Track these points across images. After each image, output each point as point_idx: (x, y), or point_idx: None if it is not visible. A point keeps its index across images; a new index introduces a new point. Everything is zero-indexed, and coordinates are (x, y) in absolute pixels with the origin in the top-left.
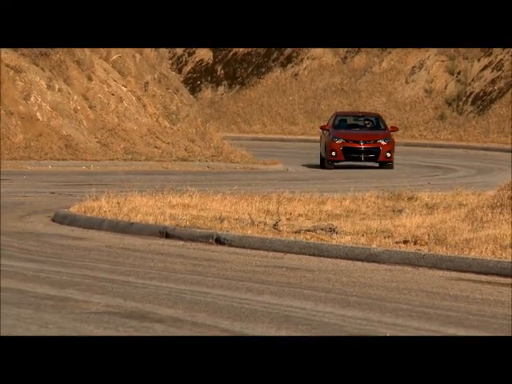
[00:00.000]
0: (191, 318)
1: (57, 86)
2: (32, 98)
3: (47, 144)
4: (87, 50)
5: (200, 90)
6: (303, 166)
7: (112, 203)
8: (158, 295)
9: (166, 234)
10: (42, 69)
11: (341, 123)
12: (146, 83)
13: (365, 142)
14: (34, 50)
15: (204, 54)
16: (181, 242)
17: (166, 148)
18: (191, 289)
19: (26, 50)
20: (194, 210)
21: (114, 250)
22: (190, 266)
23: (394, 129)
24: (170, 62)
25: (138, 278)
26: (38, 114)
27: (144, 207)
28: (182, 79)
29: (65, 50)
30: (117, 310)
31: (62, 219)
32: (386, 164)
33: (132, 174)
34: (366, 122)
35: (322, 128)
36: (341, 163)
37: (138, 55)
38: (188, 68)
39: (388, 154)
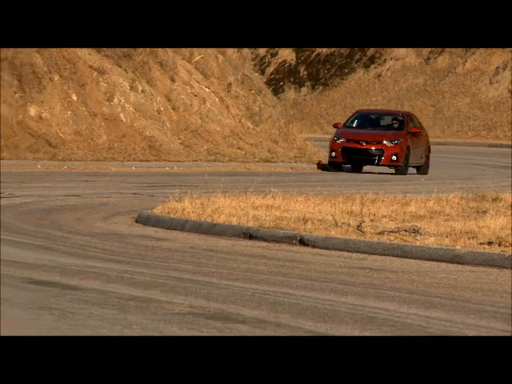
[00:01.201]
0: (275, 320)
1: (140, 88)
2: (115, 100)
3: (130, 145)
4: (170, 51)
5: (283, 91)
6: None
7: (195, 204)
8: (242, 296)
9: (249, 235)
10: (125, 70)
11: (357, 121)
12: (229, 84)
13: (367, 143)
14: (117, 51)
15: (287, 54)
16: (264, 243)
17: (249, 149)
18: (275, 290)
19: (109, 52)
20: (278, 211)
21: (197, 250)
22: (274, 267)
23: (415, 130)
24: (253, 63)
25: (222, 279)
26: (121, 115)
27: (227, 208)
28: (264, 80)
29: (147, 50)
30: (200, 311)
31: (145, 220)
32: (396, 169)
33: (215, 175)
34: (389, 121)
35: (335, 126)
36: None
37: (220, 56)
38: (271, 69)
39: (394, 157)
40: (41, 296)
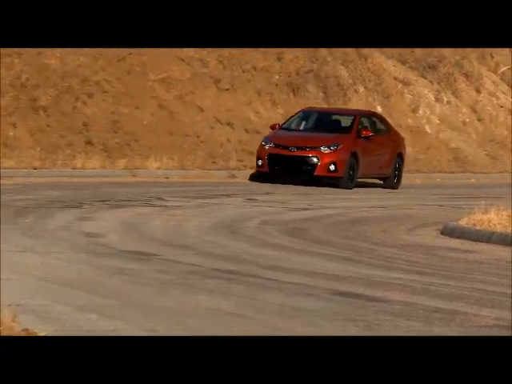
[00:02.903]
0: None
1: (445, 99)
2: (420, 111)
3: (435, 157)
4: (475, 62)
5: None
6: None
7: (501, 216)
8: None
9: None
10: (431, 81)
11: (298, 122)
12: None
13: (299, 149)
14: (422, 62)
15: None
16: None
17: None
18: None
19: (414, 63)
20: None
21: (503, 263)
22: None
23: (367, 133)
24: None
25: None
26: (426, 126)
27: None
28: None
29: (452, 61)
30: (506, 323)
31: (450, 232)
32: (337, 181)
33: None
34: (339, 122)
35: (272, 128)
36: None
37: None
38: None
39: (332, 167)
40: (346, 308)
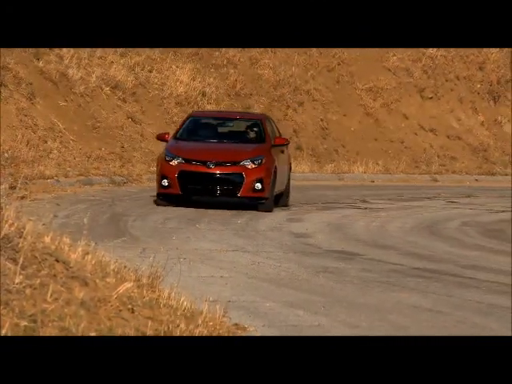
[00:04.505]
0: None
1: None
2: None
3: None
4: None
5: None
6: None
7: None
8: None
9: None
10: None
11: (194, 130)
12: None
13: (218, 164)
14: None
15: None
16: None
17: None
18: None
19: None
20: None
21: None
22: None
23: (281, 142)
24: None
25: None
26: None
27: None
28: None
29: None
30: None
31: None
32: (258, 201)
33: None
34: (241, 129)
35: (160, 138)
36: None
37: None
38: None
39: (258, 186)
40: None
